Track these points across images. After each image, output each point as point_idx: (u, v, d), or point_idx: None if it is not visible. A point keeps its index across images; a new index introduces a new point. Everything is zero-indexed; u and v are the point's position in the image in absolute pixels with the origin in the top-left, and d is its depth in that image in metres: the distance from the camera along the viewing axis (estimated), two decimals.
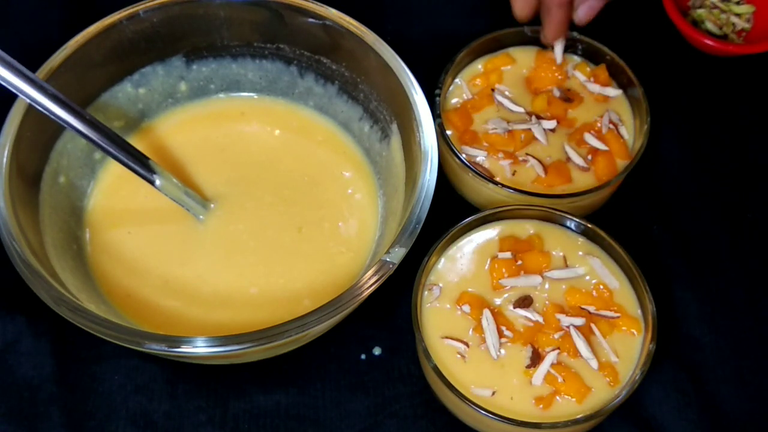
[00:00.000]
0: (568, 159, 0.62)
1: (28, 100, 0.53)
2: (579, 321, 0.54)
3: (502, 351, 0.53)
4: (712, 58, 0.72)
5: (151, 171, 0.57)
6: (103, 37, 0.60)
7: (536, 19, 0.68)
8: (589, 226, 0.57)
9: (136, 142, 0.64)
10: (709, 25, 0.72)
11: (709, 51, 0.71)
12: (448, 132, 0.63)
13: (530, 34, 0.67)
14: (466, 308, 0.55)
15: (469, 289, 0.56)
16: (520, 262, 0.56)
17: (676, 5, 0.70)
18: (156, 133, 0.65)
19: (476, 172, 0.60)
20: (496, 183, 0.60)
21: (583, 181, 0.62)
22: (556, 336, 0.54)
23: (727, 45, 0.70)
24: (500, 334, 0.54)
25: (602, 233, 0.57)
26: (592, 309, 0.55)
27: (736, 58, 0.72)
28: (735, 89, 0.71)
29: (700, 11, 0.73)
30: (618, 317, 0.54)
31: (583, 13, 0.59)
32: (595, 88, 0.65)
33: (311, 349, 0.57)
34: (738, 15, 0.73)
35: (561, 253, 0.57)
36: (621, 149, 0.62)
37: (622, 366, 0.53)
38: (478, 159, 0.62)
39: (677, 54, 0.72)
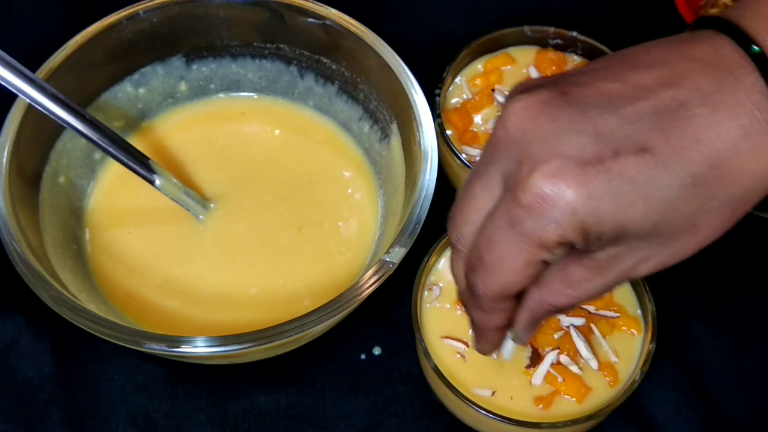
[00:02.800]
0: None
1: (28, 100, 0.53)
2: (579, 321, 0.54)
3: (502, 351, 0.53)
4: None
5: (151, 171, 0.57)
6: (103, 37, 0.60)
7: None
8: None
9: (136, 142, 0.64)
10: None
11: None
12: (448, 132, 0.63)
13: (530, 34, 0.67)
14: None
15: None
16: None
17: (688, 4, 0.70)
18: (156, 133, 0.65)
19: None
20: None
21: None
22: (556, 336, 0.54)
23: None
24: None
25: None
26: (591, 309, 0.55)
27: None
28: None
29: (713, 11, 0.73)
30: (618, 317, 0.54)
31: (524, 338, 0.46)
32: None
33: (311, 349, 0.57)
34: None
35: None
36: None
37: (622, 366, 0.53)
38: (478, 159, 0.62)
39: None
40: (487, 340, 0.47)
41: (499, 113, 0.40)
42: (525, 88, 0.39)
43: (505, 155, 0.39)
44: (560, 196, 0.37)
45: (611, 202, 0.36)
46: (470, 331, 0.54)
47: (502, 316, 0.43)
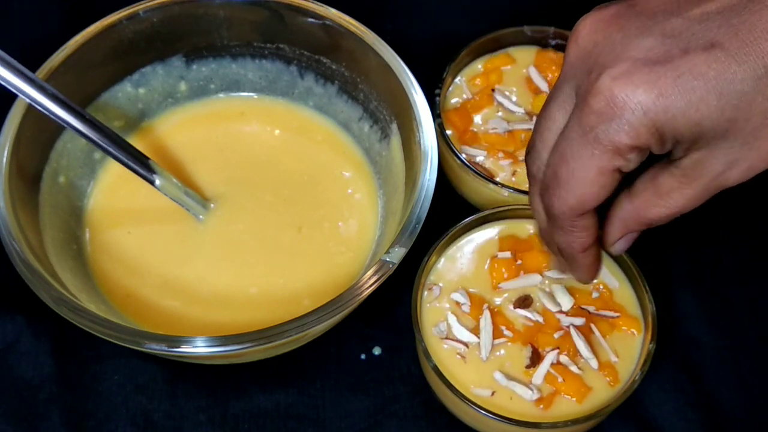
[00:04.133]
0: None
1: (28, 100, 0.53)
2: (579, 321, 0.54)
3: (502, 351, 0.53)
4: None
5: (151, 171, 0.57)
6: (103, 37, 0.60)
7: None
8: None
9: (136, 142, 0.64)
10: None
11: None
12: (448, 132, 0.63)
13: (530, 34, 0.67)
14: (466, 308, 0.55)
15: (470, 289, 0.56)
16: (519, 261, 0.56)
17: None
18: (156, 133, 0.65)
19: (476, 172, 0.60)
20: (496, 183, 0.60)
21: None
22: (556, 336, 0.54)
23: None
24: (500, 334, 0.54)
25: (602, 233, 0.57)
26: (592, 309, 0.55)
27: None
28: None
29: None
30: (618, 317, 0.54)
31: (620, 248, 0.47)
32: None
33: (311, 349, 0.57)
34: None
35: None
36: None
37: (622, 366, 0.53)
38: (478, 159, 0.62)
39: None
40: (579, 267, 0.46)
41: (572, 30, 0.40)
42: (594, 9, 0.40)
43: (577, 69, 0.40)
44: (630, 96, 0.37)
45: (682, 98, 0.36)
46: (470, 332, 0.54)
47: (583, 235, 0.43)
